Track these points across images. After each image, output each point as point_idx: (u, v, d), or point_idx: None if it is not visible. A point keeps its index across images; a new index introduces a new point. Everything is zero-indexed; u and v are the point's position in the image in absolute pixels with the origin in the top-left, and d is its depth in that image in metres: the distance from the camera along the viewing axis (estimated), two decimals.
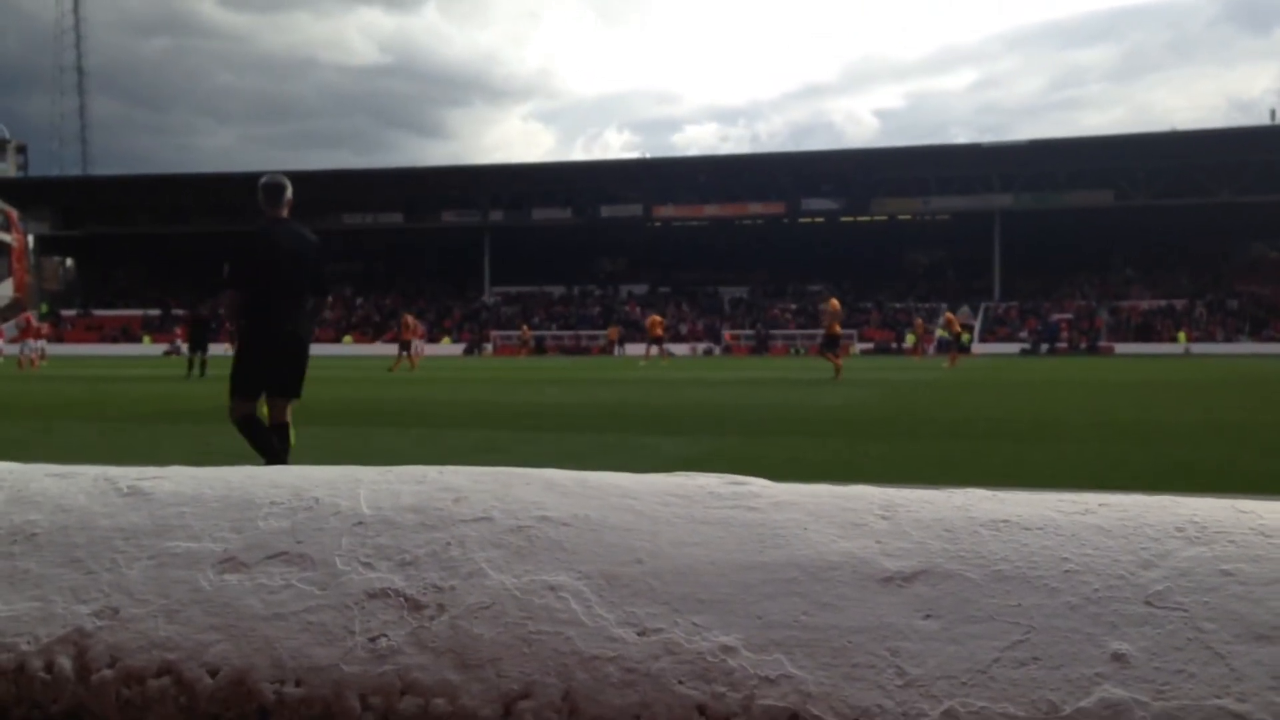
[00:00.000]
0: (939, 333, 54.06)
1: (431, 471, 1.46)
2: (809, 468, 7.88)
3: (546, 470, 1.45)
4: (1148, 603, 1.05)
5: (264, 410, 6.64)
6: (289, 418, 6.63)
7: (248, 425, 6.54)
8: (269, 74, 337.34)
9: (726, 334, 67.13)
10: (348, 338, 70.26)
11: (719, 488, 1.35)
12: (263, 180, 6.58)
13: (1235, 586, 1.05)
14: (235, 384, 6.53)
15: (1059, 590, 1.08)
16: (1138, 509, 1.21)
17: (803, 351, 58.82)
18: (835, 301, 24.50)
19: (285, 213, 6.55)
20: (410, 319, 34.90)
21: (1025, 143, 68.94)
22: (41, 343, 35.82)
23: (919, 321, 53.75)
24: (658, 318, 46.25)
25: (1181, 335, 60.37)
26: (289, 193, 6.57)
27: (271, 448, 6.40)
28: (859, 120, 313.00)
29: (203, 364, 27.11)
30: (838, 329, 24.08)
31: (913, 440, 9.97)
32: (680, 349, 63.31)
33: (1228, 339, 60.68)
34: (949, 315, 38.13)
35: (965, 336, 55.31)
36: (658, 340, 43.94)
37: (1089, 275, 71.37)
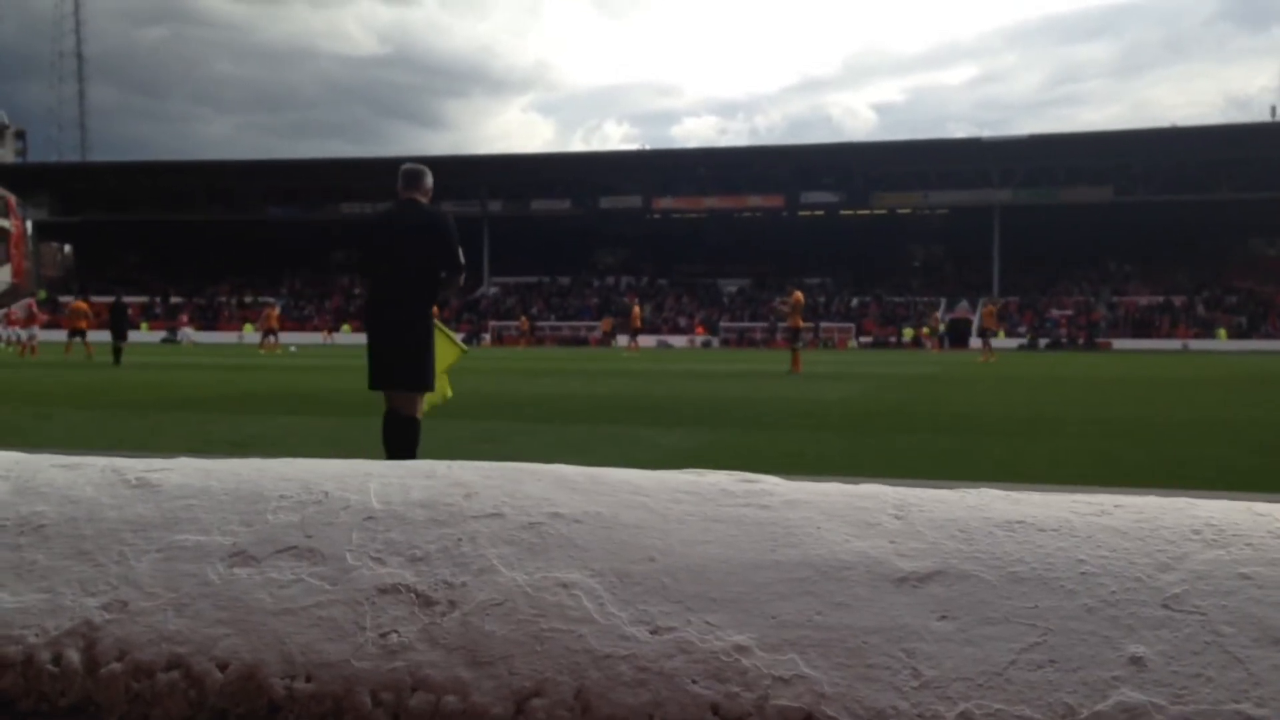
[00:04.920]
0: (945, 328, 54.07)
1: (441, 466, 1.46)
2: (808, 461, 7.88)
3: (557, 466, 1.44)
4: (1165, 606, 1.05)
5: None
6: (412, 410, 6.20)
7: (385, 422, 6.25)
8: (268, 63, 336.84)
9: (699, 327, 66.83)
10: (346, 326, 70.19)
11: (731, 485, 1.34)
12: (403, 167, 6.31)
13: (1253, 590, 1.05)
14: (368, 374, 6.27)
15: (1075, 592, 1.08)
16: (1154, 511, 1.20)
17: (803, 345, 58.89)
18: (799, 294, 24.47)
19: (420, 198, 6.22)
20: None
21: (1025, 138, 68.90)
22: (18, 329, 35.37)
23: (935, 315, 53.63)
24: (636, 309, 46.85)
25: (1222, 332, 60.05)
26: (418, 178, 6.24)
27: (393, 449, 6.09)
28: (857, 115, 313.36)
29: (117, 351, 26.62)
30: (800, 321, 24.11)
31: (910, 435, 9.96)
32: (679, 340, 63.35)
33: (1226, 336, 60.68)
34: (989, 308, 38.21)
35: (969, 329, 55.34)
36: (634, 332, 44.48)
37: (1087, 271, 71.37)
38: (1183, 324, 62.49)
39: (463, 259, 6.20)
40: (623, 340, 55.05)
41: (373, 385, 6.24)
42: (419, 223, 6.13)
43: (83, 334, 31.21)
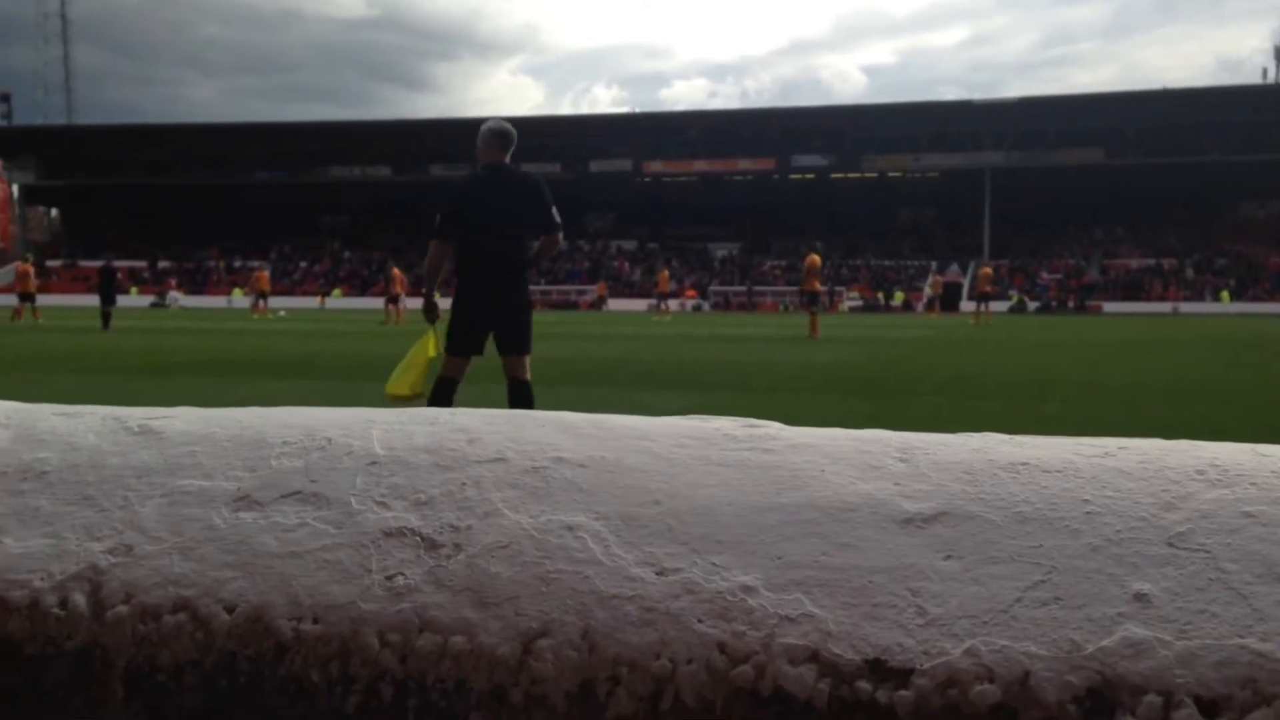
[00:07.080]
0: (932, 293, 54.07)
1: (444, 413, 1.45)
2: (803, 424, 7.90)
3: (560, 412, 1.45)
4: (1170, 544, 1.05)
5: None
6: (524, 374, 6.22)
7: (437, 388, 6.21)
8: (254, 26, 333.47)
9: (690, 291, 66.38)
10: (336, 291, 69.99)
11: (735, 430, 1.35)
12: (484, 126, 6.19)
13: (1257, 528, 1.05)
14: (447, 340, 6.23)
15: (1080, 531, 1.08)
16: (1158, 452, 1.20)
17: (791, 309, 58.69)
18: (816, 257, 24.38)
19: (505, 159, 6.15)
20: (397, 272, 34.63)
21: (1016, 100, 68.64)
22: None
23: (937, 278, 53.54)
24: (665, 273, 46.83)
25: (1225, 294, 60.22)
26: (511, 139, 6.16)
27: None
28: (847, 77, 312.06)
29: (106, 316, 26.41)
30: (817, 285, 24.01)
31: (901, 398, 10.00)
32: (669, 304, 63.34)
33: (1216, 298, 60.81)
34: (986, 271, 38.34)
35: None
36: (663, 295, 44.40)
37: (1078, 233, 71.36)
38: (1173, 287, 62.58)
39: (559, 219, 6.17)
40: (619, 305, 55.03)
41: (461, 351, 6.22)
42: (519, 187, 6.11)
43: (31, 298, 30.90)
